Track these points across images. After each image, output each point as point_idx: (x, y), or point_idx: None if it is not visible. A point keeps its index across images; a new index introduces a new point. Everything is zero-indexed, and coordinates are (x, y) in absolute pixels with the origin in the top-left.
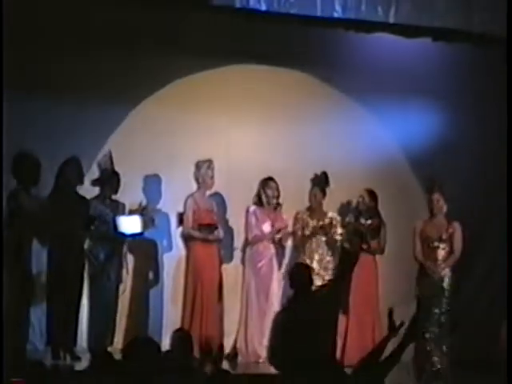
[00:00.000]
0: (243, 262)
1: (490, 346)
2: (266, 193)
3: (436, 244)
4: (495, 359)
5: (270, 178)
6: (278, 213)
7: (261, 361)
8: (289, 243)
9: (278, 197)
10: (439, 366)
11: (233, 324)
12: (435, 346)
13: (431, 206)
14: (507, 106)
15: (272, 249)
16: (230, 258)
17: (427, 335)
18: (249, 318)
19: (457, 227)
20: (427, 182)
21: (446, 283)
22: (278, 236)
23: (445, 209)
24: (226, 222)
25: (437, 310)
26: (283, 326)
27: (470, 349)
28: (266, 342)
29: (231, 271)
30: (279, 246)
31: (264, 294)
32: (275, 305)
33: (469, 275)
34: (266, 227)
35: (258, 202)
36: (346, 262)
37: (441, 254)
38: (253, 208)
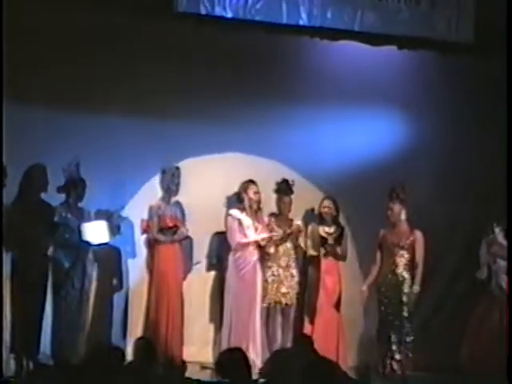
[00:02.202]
0: (224, 267)
1: (455, 349)
2: (249, 196)
3: (396, 251)
4: (459, 363)
5: (252, 181)
6: (259, 216)
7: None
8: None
9: (259, 200)
10: (402, 370)
11: (199, 333)
12: (398, 349)
13: (389, 214)
14: (507, 107)
15: (256, 255)
16: (207, 268)
17: (390, 339)
18: (233, 325)
19: (418, 235)
20: (388, 189)
21: (406, 288)
22: (263, 242)
23: (403, 216)
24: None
25: (399, 315)
26: None
27: (433, 352)
28: (252, 347)
29: (197, 281)
30: (264, 251)
31: (248, 300)
32: (259, 312)
33: (431, 280)
34: (250, 232)
35: (241, 205)
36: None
37: (401, 261)
38: (235, 212)
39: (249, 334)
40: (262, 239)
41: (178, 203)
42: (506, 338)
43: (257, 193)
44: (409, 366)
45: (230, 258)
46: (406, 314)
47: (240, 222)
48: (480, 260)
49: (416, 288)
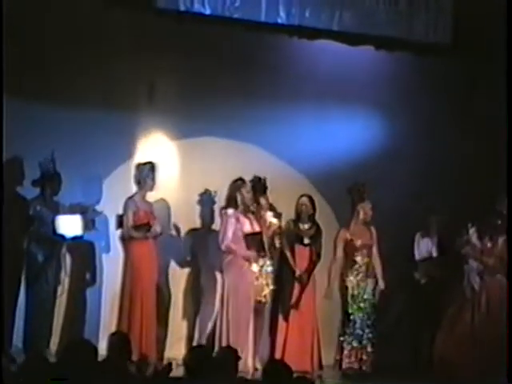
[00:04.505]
0: (221, 265)
1: (420, 349)
2: (243, 194)
3: (356, 252)
4: (425, 363)
5: (243, 180)
6: (251, 215)
7: (247, 367)
8: None
9: (251, 199)
10: (365, 368)
11: (171, 330)
12: (362, 348)
13: (360, 213)
14: (507, 107)
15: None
16: (181, 265)
17: (353, 338)
18: (230, 324)
19: (373, 234)
20: (350, 192)
21: (368, 289)
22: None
23: (367, 217)
24: (174, 226)
25: (363, 313)
26: None
27: (399, 352)
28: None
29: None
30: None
31: (246, 298)
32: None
33: (399, 281)
34: (247, 229)
35: (234, 204)
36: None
37: (365, 259)
38: (231, 211)
39: (244, 331)
40: (265, 234)
41: (156, 200)
42: (506, 337)
43: (249, 192)
44: (371, 365)
45: (227, 256)
46: (370, 311)
47: (238, 220)
48: (415, 256)
49: (381, 285)
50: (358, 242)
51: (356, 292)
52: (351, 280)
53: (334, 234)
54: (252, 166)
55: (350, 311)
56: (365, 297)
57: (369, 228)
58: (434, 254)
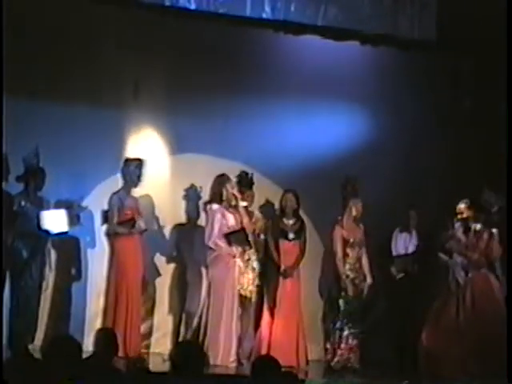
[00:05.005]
0: (207, 261)
1: (406, 344)
2: (228, 190)
3: (349, 248)
4: (411, 357)
5: (227, 176)
6: (238, 210)
7: (232, 362)
8: None
9: (236, 195)
10: (351, 363)
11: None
12: (349, 343)
13: (352, 210)
14: (507, 107)
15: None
16: (166, 260)
17: (341, 331)
18: (216, 319)
19: (362, 230)
20: (343, 187)
21: (358, 282)
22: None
23: (356, 213)
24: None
25: (350, 308)
26: None
27: (386, 347)
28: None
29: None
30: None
31: (231, 293)
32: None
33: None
34: (232, 224)
35: (219, 199)
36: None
37: (353, 256)
38: (216, 206)
39: (228, 327)
40: (249, 229)
41: (140, 196)
42: (506, 337)
43: (234, 187)
44: (358, 360)
45: (210, 251)
46: (356, 306)
47: (223, 215)
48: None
49: (368, 280)
50: (351, 239)
51: (346, 287)
52: (344, 274)
53: (320, 230)
54: (237, 160)
55: (338, 306)
56: (354, 293)
57: (358, 225)
58: (412, 250)
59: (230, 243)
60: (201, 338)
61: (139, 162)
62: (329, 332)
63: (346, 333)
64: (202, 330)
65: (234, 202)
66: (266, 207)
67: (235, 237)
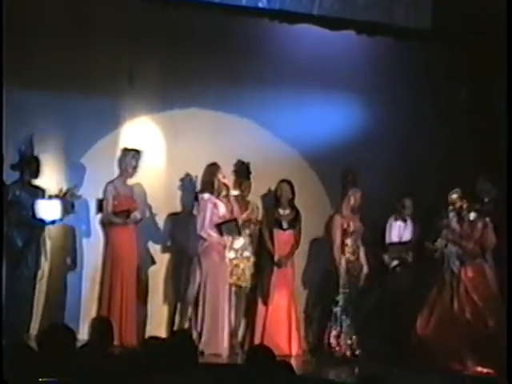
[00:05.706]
0: (200, 250)
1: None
2: (219, 179)
3: (348, 238)
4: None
5: (218, 165)
6: (229, 200)
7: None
8: None
9: (227, 184)
10: (345, 352)
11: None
12: (344, 332)
13: (351, 200)
14: (507, 106)
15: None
16: (161, 250)
17: (340, 321)
18: (210, 308)
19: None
20: (343, 176)
21: (355, 271)
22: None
23: (354, 203)
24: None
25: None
26: None
27: (383, 336)
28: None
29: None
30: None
31: (225, 283)
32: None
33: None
34: (223, 214)
35: (210, 188)
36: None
37: (350, 245)
38: (207, 195)
39: (221, 316)
40: (243, 219)
41: (134, 185)
42: (506, 337)
43: (225, 177)
44: (354, 349)
45: (202, 242)
46: (354, 295)
47: (215, 205)
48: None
49: (365, 269)
50: (351, 228)
51: (343, 276)
52: (341, 264)
53: (317, 218)
54: (232, 149)
55: (334, 296)
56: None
57: (355, 215)
58: (406, 238)
59: (221, 233)
60: (195, 327)
61: (136, 153)
62: (323, 321)
63: (339, 321)
64: (199, 319)
65: (224, 192)
66: (262, 197)
67: (226, 226)
